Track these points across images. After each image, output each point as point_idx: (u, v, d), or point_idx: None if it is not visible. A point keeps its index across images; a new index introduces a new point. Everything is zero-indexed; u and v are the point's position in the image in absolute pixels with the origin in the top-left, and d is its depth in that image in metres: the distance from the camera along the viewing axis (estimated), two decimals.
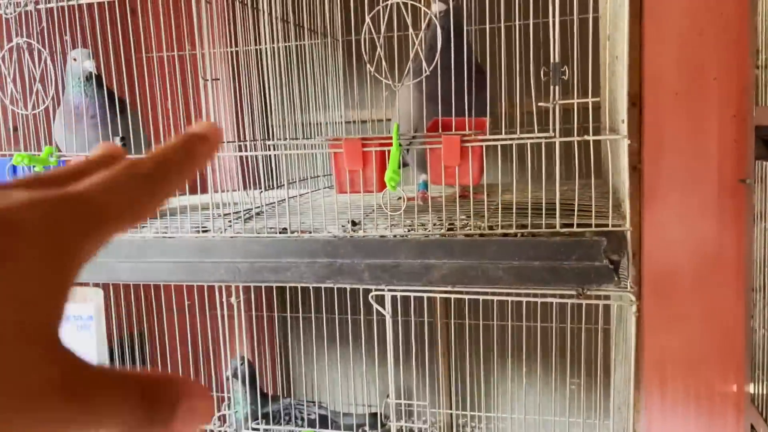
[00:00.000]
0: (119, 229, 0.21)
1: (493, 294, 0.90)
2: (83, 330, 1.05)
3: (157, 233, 0.98)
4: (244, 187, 1.25)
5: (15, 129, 1.16)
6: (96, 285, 1.06)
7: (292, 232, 0.93)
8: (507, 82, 0.84)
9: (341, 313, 1.48)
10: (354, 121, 1.58)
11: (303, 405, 1.55)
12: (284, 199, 1.17)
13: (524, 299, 0.89)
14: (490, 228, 0.85)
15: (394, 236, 0.87)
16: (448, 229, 0.87)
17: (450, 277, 0.85)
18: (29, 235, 0.18)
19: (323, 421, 1.53)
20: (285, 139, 0.97)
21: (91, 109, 1.19)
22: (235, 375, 1.39)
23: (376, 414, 1.61)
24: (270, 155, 1.09)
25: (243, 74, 1.13)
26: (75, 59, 1.18)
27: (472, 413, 1.55)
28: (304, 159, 1.38)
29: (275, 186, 1.14)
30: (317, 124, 1.45)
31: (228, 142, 1.00)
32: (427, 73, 0.85)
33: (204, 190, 1.12)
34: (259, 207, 1.06)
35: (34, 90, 1.00)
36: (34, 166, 0.99)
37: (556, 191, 0.83)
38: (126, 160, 0.23)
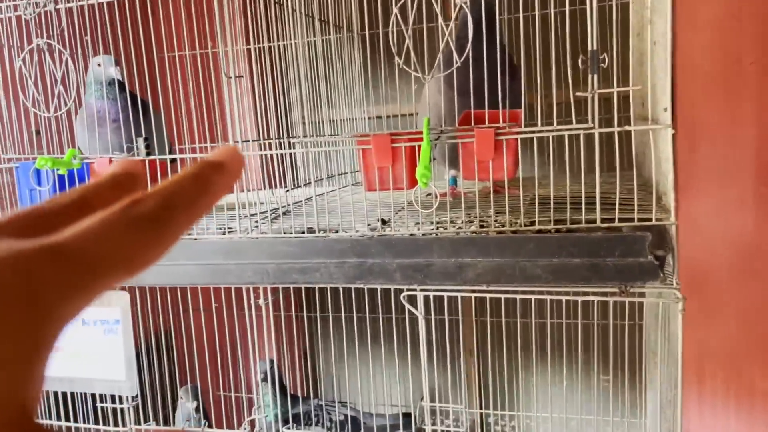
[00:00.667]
0: (113, 283, 0.18)
1: (531, 293, 0.87)
2: (110, 334, 1.04)
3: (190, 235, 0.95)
4: (265, 186, 1.23)
5: (38, 132, 1.15)
6: (122, 288, 1.05)
7: (321, 232, 0.90)
8: (543, 72, 0.80)
9: (367, 312, 1.45)
10: (375, 117, 1.55)
11: (331, 406, 1.53)
12: (310, 198, 1.14)
13: (564, 298, 0.86)
14: (527, 224, 0.82)
15: (427, 234, 0.84)
16: (482, 226, 0.83)
17: (485, 276, 0.82)
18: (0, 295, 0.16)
19: (352, 422, 1.50)
20: (309, 136, 0.95)
21: (113, 113, 1.17)
22: (264, 378, 1.37)
23: (405, 414, 1.58)
24: (293, 153, 1.07)
25: (265, 71, 1.11)
26: (99, 65, 1.17)
27: (502, 412, 1.52)
28: (328, 156, 1.35)
29: (300, 184, 1.11)
30: (337, 120, 1.42)
31: (253, 140, 0.97)
32: (458, 64, 0.82)
33: None
34: (285, 206, 1.04)
35: (56, 92, 0.98)
36: (57, 169, 0.97)
37: (596, 184, 0.79)
38: (126, 199, 0.19)
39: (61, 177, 1.00)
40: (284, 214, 1.00)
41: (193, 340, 1.29)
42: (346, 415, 1.51)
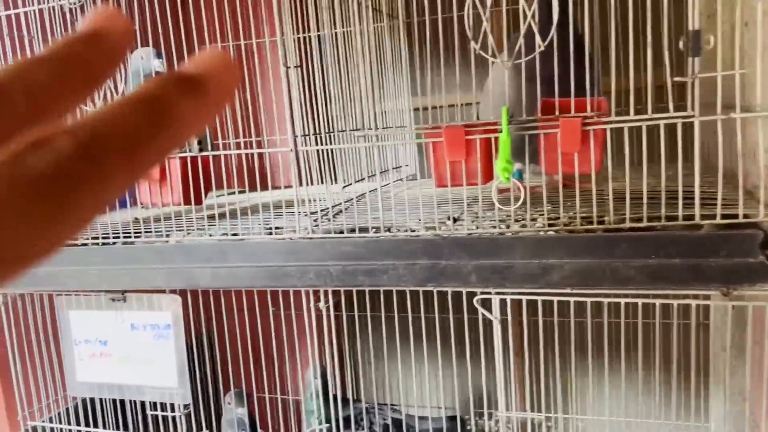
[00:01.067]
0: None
1: (621, 296, 0.81)
2: (161, 339, 0.99)
3: (237, 236, 0.90)
4: (301, 183, 1.16)
5: None
6: (172, 292, 1.00)
7: (387, 231, 0.84)
8: (636, 55, 0.74)
9: (413, 312, 1.40)
10: (422, 108, 1.48)
11: (375, 409, 1.47)
12: (363, 195, 1.09)
13: (658, 301, 0.80)
14: (618, 221, 0.75)
15: (507, 233, 0.78)
16: (566, 224, 0.77)
17: (572, 278, 0.76)
18: None
19: (399, 427, 1.45)
20: (374, 128, 0.89)
21: None
22: (318, 383, 1.32)
23: (452, 418, 1.53)
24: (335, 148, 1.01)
25: (314, 61, 1.05)
26: (142, 57, 1.12)
27: (556, 415, 1.45)
28: (371, 150, 1.29)
29: (353, 180, 1.05)
30: (381, 113, 1.36)
31: (314, 134, 0.92)
32: (542, 47, 0.75)
33: (265, 186, 1.04)
34: (341, 203, 0.98)
35: (104, 85, 0.93)
36: None
37: (696, 178, 0.72)
38: (30, 136, 0.12)
39: None
40: (344, 210, 0.94)
41: (247, 342, 1.24)
42: (392, 419, 1.46)
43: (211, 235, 0.92)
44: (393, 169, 1.32)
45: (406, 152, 1.41)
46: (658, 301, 0.95)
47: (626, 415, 1.36)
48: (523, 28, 0.76)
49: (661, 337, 1.21)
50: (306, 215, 0.89)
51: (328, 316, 0.94)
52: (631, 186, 0.77)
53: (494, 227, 0.80)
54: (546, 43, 0.75)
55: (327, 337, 0.99)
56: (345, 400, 1.50)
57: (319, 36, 1.08)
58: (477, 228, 0.81)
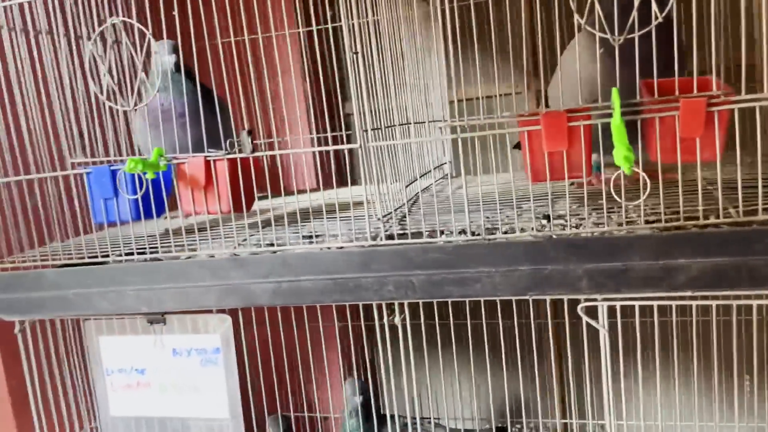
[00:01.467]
0: None
1: (710, 298, 0.73)
2: (209, 365, 0.88)
3: (303, 244, 0.80)
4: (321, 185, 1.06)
5: (81, 135, 0.99)
6: (221, 311, 0.89)
7: (474, 235, 0.75)
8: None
9: (442, 319, 1.31)
10: (458, 101, 1.39)
11: (419, 423, 1.38)
12: (421, 194, 0.99)
13: (715, 302, 0.72)
14: (748, 213, 0.67)
15: (627, 232, 0.69)
16: (688, 218, 0.69)
17: (700, 279, 0.67)
18: None
19: None
20: (457, 119, 0.79)
21: (180, 106, 1.00)
22: (354, 400, 1.22)
23: (490, 429, 1.45)
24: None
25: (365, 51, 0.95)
26: (156, 52, 1.01)
27: (620, 422, 1.38)
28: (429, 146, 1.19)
29: (419, 177, 0.96)
30: (416, 106, 1.26)
31: (387, 126, 0.82)
32: (660, 19, 0.66)
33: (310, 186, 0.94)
34: (409, 203, 0.88)
35: (137, 81, 0.82)
36: (145, 173, 0.81)
37: None
38: None
39: (143, 182, 0.84)
40: (423, 210, 0.84)
41: (269, 355, 1.13)
42: None
43: (274, 244, 0.82)
44: (438, 167, 1.23)
45: (439, 149, 1.32)
46: (715, 303, 0.87)
47: (690, 418, 1.29)
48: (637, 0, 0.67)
49: (721, 336, 1.14)
50: (378, 219, 0.79)
51: (404, 327, 0.84)
52: (743, 175, 0.69)
53: (608, 225, 0.71)
54: (663, 16, 0.66)
55: (404, 357, 0.89)
56: (382, 417, 1.40)
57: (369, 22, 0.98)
58: (581, 226, 0.72)
